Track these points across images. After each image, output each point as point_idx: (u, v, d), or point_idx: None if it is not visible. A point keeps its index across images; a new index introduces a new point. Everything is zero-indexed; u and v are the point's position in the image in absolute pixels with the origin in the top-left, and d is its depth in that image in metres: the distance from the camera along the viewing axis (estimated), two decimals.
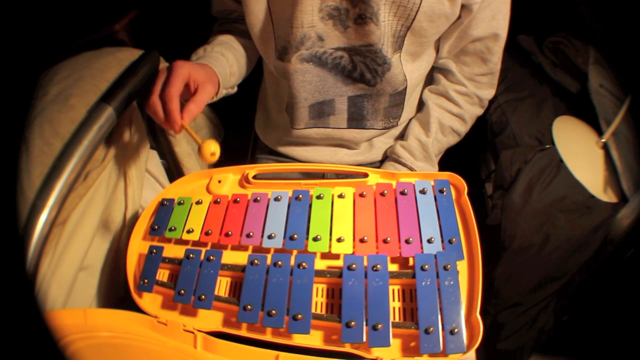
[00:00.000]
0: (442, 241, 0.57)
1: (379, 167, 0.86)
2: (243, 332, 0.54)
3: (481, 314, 0.51)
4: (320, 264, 0.58)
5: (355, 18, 0.66)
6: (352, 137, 0.82)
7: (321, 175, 0.86)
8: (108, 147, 0.71)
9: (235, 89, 0.78)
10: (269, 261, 0.56)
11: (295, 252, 0.58)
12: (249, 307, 0.52)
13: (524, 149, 0.99)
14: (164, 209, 0.65)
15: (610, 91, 1.01)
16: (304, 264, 0.55)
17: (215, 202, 0.65)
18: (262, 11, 0.70)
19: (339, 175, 0.80)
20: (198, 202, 0.65)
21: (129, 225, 0.76)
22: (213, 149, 0.58)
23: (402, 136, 0.85)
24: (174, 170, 0.92)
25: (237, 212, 0.63)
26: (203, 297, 0.54)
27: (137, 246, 0.64)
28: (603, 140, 0.96)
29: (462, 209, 0.61)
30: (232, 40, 0.78)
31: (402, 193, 0.62)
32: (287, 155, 0.89)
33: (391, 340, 0.49)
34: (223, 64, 0.72)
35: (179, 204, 0.65)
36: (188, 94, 0.62)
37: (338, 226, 0.60)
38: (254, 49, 0.79)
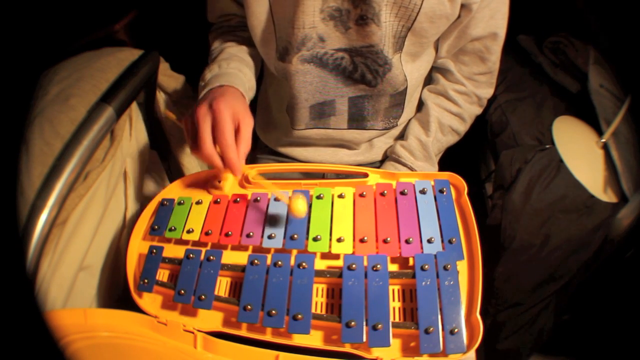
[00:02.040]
0: (442, 241, 0.57)
1: (379, 167, 0.86)
2: (243, 332, 0.54)
3: (481, 314, 0.51)
4: (320, 264, 0.58)
5: (357, 19, 0.66)
6: (353, 137, 0.83)
7: (321, 175, 0.86)
8: (108, 147, 0.71)
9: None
10: (269, 261, 0.56)
11: (295, 252, 0.58)
12: (249, 307, 0.52)
13: (524, 149, 0.99)
14: (164, 209, 0.65)
15: (610, 91, 1.01)
16: (304, 264, 0.55)
17: (215, 202, 0.65)
18: (263, 12, 0.70)
19: (339, 175, 0.80)
20: (198, 202, 0.65)
21: (129, 225, 0.76)
22: (302, 207, 0.58)
23: (402, 136, 0.85)
24: (174, 170, 0.92)
25: (237, 212, 0.63)
26: (203, 297, 0.54)
27: (137, 246, 0.64)
28: (603, 140, 0.96)
29: (462, 209, 0.61)
30: (241, 52, 0.77)
31: (402, 193, 0.62)
32: (287, 155, 0.89)
33: (391, 340, 0.49)
34: (243, 80, 0.72)
35: (179, 204, 0.65)
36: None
37: (338, 226, 0.60)
38: (259, 56, 0.79)
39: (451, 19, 0.68)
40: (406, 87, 0.76)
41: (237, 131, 0.61)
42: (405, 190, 0.62)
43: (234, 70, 0.72)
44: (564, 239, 0.91)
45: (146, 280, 0.58)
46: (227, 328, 0.55)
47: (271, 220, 0.62)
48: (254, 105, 0.97)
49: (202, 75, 0.73)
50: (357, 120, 0.80)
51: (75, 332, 0.52)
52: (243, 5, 0.70)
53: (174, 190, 0.70)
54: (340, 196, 0.64)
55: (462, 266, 0.56)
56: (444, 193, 0.62)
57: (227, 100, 0.62)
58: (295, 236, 0.59)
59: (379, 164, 0.88)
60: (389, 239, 0.57)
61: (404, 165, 0.80)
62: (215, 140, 0.60)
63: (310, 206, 0.62)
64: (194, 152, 0.61)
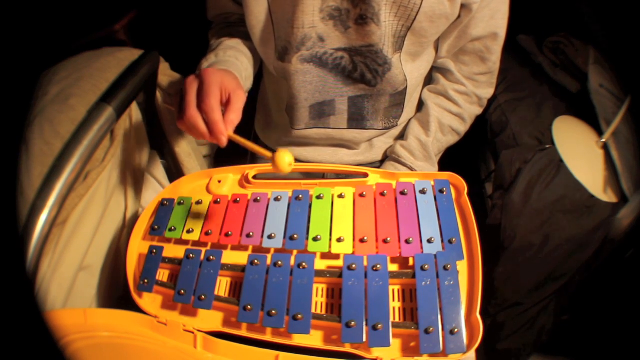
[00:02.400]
0: (442, 241, 0.57)
1: (379, 167, 0.86)
2: (243, 332, 0.54)
3: (481, 314, 0.51)
4: (320, 264, 0.58)
5: (356, 18, 0.66)
6: (353, 137, 0.83)
7: (321, 175, 0.86)
8: (108, 147, 0.71)
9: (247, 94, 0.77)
10: (269, 261, 0.56)
11: (295, 252, 0.58)
12: (249, 307, 0.52)
13: (524, 149, 0.99)
14: (164, 209, 0.65)
15: (610, 91, 1.01)
16: (304, 264, 0.55)
17: (215, 202, 0.65)
18: (262, 12, 0.70)
19: (339, 175, 0.80)
20: (198, 202, 0.65)
21: (129, 225, 0.76)
22: (288, 159, 0.52)
23: (402, 136, 0.85)
24: (174, 170, 0.92)
25: (237, 212, 0.63)
26: (203, 297, 0.54)
27: (137, 246, 0.64)
28: (603, 140, 0.96)
29: (462, 209, 0.61)
30: (239, 44, 0.77)
31: (402, 193, 0.62)
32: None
33: (391, 340, 0.49)
34: (239, 68, 0.70)
35: (179, 204, 0.65)
36: (220, 104, 0.58)
37: (338, 226, 0.60)
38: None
39: (451, 19, 0.68)
40: (406, 87, 0.76)
41: (227, 102, 0.58)
42: (405, 190, 0.62)
43: (231, 58, 0.71)
44: (564, 239, 0.91)
45: (146, 280, 0.58)
46: (227, 328, 0.55)
47: (271, 220, 0.62)
48: (253, 105, 0.97)
49: (199, 65, 0.72)
50: (356, 119, 0.80)
51: (75, 332, 0.52)
52: (242, 5, 0.70)
53: (174, 190, 0.70)
54: (340, 196, 0.64)
55: (462, 266, 0.56)
56: (444, 193, 0.62)
57: (218, 71, 0.59)
58: (295, 236, 0.59)
59: (379, 164, 0.88)
60: (389, 239, 0.57)
61: (404, 165, 0.80)
62: (200, 103, 0.56)
63: (310, 206, 0.62)
64: (179, 122, 0.58)
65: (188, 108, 0.56)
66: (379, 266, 0.54)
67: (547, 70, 1.16)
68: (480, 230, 0.58)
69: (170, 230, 0.62)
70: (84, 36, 1.17)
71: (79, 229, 0.65)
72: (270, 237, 0.59)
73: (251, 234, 0.60)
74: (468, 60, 0.76)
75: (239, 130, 0.59)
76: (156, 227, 0.63)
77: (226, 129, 0.55)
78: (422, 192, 0.62)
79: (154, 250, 0.60)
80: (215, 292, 0.55)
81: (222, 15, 0.81)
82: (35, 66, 0.67)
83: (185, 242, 0.63)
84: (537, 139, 1.03)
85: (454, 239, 0.57)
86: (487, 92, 0.81)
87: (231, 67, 0.68)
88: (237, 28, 0.80)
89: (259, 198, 0.64)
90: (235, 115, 0.57)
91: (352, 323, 0.50)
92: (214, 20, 0.83)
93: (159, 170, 0.89)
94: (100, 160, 0.69)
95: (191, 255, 0.58)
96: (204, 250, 0.59)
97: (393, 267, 0.57)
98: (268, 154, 0.53)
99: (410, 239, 0.57)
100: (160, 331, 0.55)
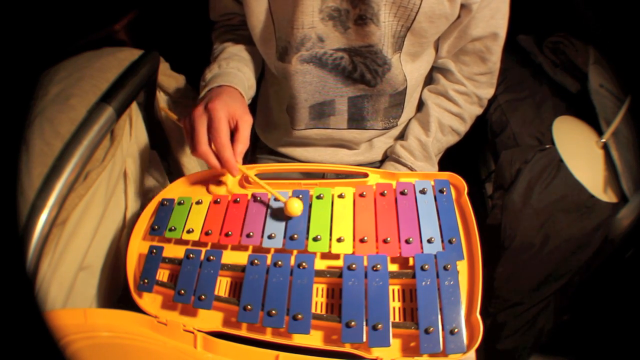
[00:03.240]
0: (442, 241, 0.57)
1: (379, 167, 0.86)
2: (243, 332, 0.54)
3: (481, 314, 0.51)
4: (320, 264, 0.58)
5: (356, 19, 0.66)
6: (353, 137, 0.83)
7: (321, 175, 0.86)
8: (108, 147, 0.71)
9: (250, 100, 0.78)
10: (269, 261, 0.56)
11: (295, 252, 0.58)
12: (249, 307, 0.52)
13: (524, 149, 0.99)
14: (164, 209, 0.65)
15: (610, 91, 1.01)
16: (304, 264, 0.55)
17: (215, 202, 0.65)
18: (263, 12, 0.70)
19: (339, 175, 0.80)
20: (198, 202, 0.65)
21: (129, 225, 0.76)
22: (297, 205, 0.59)
23: (402, 136, 0.85)
24: (174, 170, 0.92)
25: (237, 212, 0.63)
26: (203, 297, 0.54)
27: (137, 246, 0.64)
28: (603, 140, 0.96)
29: (462, 209, 0.61)
30: (241, 51, 0.78)
31: (402, 193, 0.62)
32: (287, 155, 0.89)
33: (391, 340, 0.49)
34: (242, 79, 0.72)
35: (179, 204, 0.65)
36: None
37: (338, 226, 0.60)
38: (260, 54, 0.79)
39: (451, 19, 0.68)
40: (406, 87, 0.76)
41: (235, 130, 0.62)
42: (405, 190, 0.62)
43: (234, 70, 0.72)
44: (564, 239, 0.91)
45: (146, 280, 0.58)
46: (227, 328, 0.55)
47: (271, 220, 0.62)
48: (254, 105, 0.97)
49: (203, 75, 0.74)
50: (356, 120, 0.80)
51: (75, 332, 0.52)
52: (242, 4, 0.71)
53: (174, 190, 0.70)
54: (340, 196, 0.64)
55: (462, 266, 0.56)
56: (444, 193, 0.62)
57: (224, 100, 0.62)
58: (295, 236, 0.59)
59: (379, 164, 0.88)
60: (389, 239, 0.57)
61: (404, 165, 0.80)
62: (211, 139, 0.61)
63: (310, 206, 0.62)
64: (193, 153, 0.62)
65: (199, 145, 0.60)
66: (379, 266, 0.54)
67: (547, 70, 1.16)
68: (480, 230, 0.57)
69: (170, 230, 0.62)
70: (84, 36, 1.17)
71: (79, 229, 0.65)
72: (270, 237, 0.59)
73: (251, 234, 0.60)
74: (468, 61, 0.76)
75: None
76: (156, 227, 0.63)
77: (237, 162, 0.61)
78: (422, 192, 0.62)
79: (154, 250, 0.60)
80: (215, 292, 0.55)
81: (225, 16, 0.81)
82: (35, 66, 0.67)
83: (185, 242, 0.63)
84: (537, 139, 1.03)
85: (454, 239, 0.57)
86: (487, 92, 0.81)
87: (234, 79, 0.70)
88: (240, 32, 0.80)
89: (259, 198, 0.64)
90: (244, 145, 0.62)
91: (352, 323, 0.50)
92: (217, 21, 0.83)
93: (159, 170, 0.89)
94: (100, 160, 0.70)
95: (191, 255, 0.58)
96: (204, 250, 0.59)
97: (393, 267, 0.57)
98: (283, 199, 0.60)
99: (410, 239, 0.57)
100: (160, 331, 0.55)
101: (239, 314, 0.53)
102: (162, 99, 0.89)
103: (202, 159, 0.61)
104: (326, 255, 0.59)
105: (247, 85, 0.73)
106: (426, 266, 0.53)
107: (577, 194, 0.90)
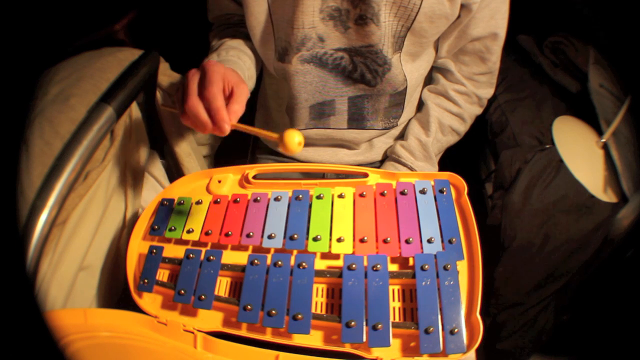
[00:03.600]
0: (442, 241, 0.57)
1: (379, 167, 0.86)
2: (243, 332, 0.54)
3: (481, 314, 0.51)
4: (320, 264, 0.58)
5: (356, 19, 0.66)
6: (353, 137, 0.83)
7: (321, 175, 0.86)
8: (108, 147, 0.71)
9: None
10: (269, 261, 0.56)
11: (295, 252, 0.58)
12: (249, 307, 0.52)
13: (524, 149, 0.99)
14: (164, 209, 0.65)
15: (610, 91, 1.01)
16: (304, 264, 0.55)
17: (215, 202, 0.65)
18: (262, 13, 0.70)
19: (339, 175, 0.80)
20: (198, 202, 0.65)
21: (129, 225, 0.76)
22: (298, 138, 0.50)
23: (402, 136, 0.85)
24: (174, 170, 0.92)
25: (237, 212, 0.63)
26: (203, 297, 0.54)
27: (137, 246, 0.64)
28: (603, 140, 0.96)
29: (462, 209, 0.61)
30: (241, 44, 0.76)
31: (402, 193, 0.62)
32: (287, 155, 0.89)
33: (391, 340, 0.49)
34: (242, 67, 0.70)
35: (179, 204, 0.65)
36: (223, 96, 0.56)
37: (338, 226, 0.60)
38: None
39: (451, 19, 0.68)
40: (406, 87, 0.76)
41: (230, 95, 0.56)
42: (405, 190, 0.62)
43: (233, 58, 0.71)
44: (564, 239, 0.91)
45: (146, 280, 0.58)
46: (227, 328, 0.55)
47: (271, 220, 0.62)
48: (254, 106, 0.97)
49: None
50: (357, 120, 0.80)
51: (75, 332, 0.52)
52: (241, 5, 0.70)
53: (174, 190, 0.70)
54: (340, 196, 0.64)
55: (462, 266, 0.56)
56: (444, 193, 0.62)
57: (221, 64, 0.58)
58: (295, 236, 0.59)
59: (379, 164, 0.88)
60: (389, 239, 0.57)
61: (404, 165, 0.80)
62: (202, 95, 0.53)
63: (310, 206, 0.62)
64: (182, 116, 0.56)
65: (189, 97, 0.53)
66: (379, 266, 0.54)
67: (547, 70, 1.16)
68: (480, 230, 0.58)
69: (170, 230, 0.62)
70: (84, 36, 1.17)
71: (79, 229, 0.65)
72: (270, 237, 0.59)
73: (251, 234, 0.60)
74: (468, 60, 0.76)
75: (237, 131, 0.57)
76: (156, 227, 0.63)
77: (229, 119, 0.53)
78: (422, 192, 0.62)
79: (154, 250, 0.60)
80: (215, 292, 0.55)
81: (223, 17, 0.81)
82: (35, 66, 0.67)
83: (185, 242, 0.63)
84: (537, 139, 1.03)
85: (454, 239, 0.57)
86: (487, 92, 0.81)
87: (234, 66, 0.68)
88: (239, 29, 0.80)
89: (259, 198, 0.64)
90: (239, 106, 0.54)
91: (352, 323, 0.50)
92: (215, 21, 0.83)
93: (159, 170, 0.89)
94: (100, 160, 0.70)
95: (191, 255, 0.58)
96: (204, 250, 0.59)
97: (393, 267, 0.58)
98: (275, 135, 0.51)
99: (410, 239, 0.57)
100: (160, 331, 0.55)
101: (239, 314, 0.53)
102: (162, 99, 0.89)
103: (191, 114, 0.53)
104: (326, 255, 0.59)
105: (247, 74, 0.71)
106: (426, 266, 0.53)
107: (577, 194, 0.90)
